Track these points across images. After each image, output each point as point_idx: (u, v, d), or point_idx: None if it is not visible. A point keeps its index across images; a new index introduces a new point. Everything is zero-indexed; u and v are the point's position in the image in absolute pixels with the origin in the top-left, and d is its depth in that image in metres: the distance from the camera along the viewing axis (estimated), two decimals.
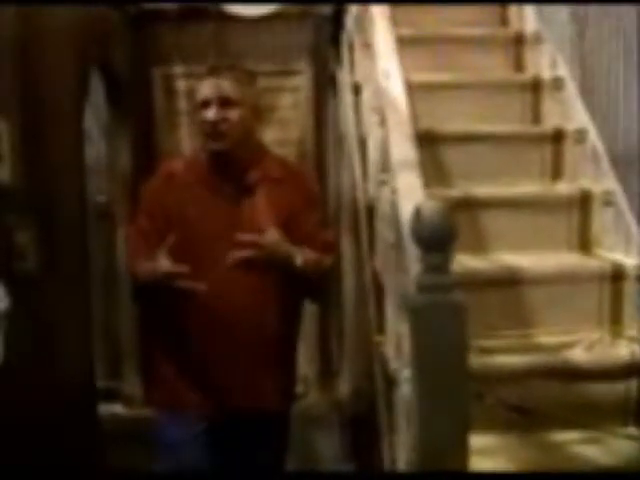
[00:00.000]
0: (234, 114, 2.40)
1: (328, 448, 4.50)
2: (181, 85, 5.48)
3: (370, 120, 2.94)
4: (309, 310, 2.76)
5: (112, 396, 5.40)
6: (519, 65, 3.91)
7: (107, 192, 5.45)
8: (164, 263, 2.32)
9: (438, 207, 1.47)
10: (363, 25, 3.25)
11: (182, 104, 5.48)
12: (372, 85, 2.78)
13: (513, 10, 4.14)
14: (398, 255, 2.18)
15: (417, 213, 1.46)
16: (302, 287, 2.49)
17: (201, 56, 5.39)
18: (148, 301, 2.55)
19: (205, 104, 2.43)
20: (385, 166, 2.44)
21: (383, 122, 2.38)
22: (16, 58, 3.54)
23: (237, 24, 5.38)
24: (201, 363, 2.47)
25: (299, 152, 5.50)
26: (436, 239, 1.46)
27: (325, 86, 5.42)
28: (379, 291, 2.79)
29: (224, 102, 2.41)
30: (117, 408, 5.39)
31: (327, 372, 5.46)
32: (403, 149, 2.07)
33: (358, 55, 3.55)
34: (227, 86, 2.43)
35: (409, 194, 1.91)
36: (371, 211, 3.04)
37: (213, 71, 2.50)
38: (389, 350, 2.56)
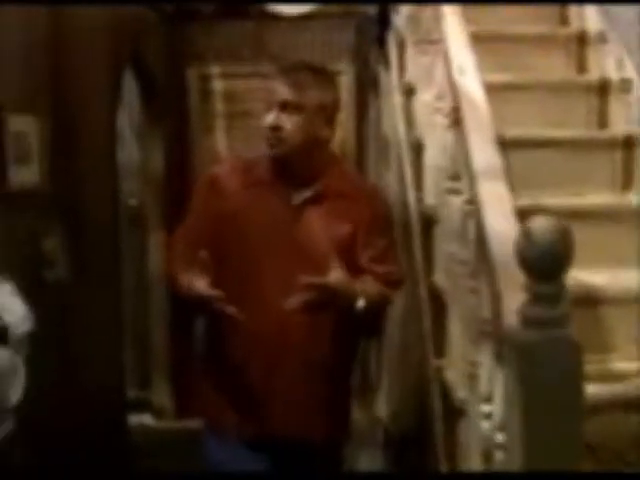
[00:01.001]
0: (292, 120, 2.23)
1: (371, 466, 4.29)
2: (218, 86, 5.28)
3: (431, 122, 2.72)
4: None
5: (141, 406, 5.22)
6: (581, 66, 3.66)
7: (139, 195, 5.27)
8: (199, 284, 2.13)
9: (554, 226, 1.25)
10: (420, 24, 3.03)
11: (219, 105, 5.29)
12: (436, 85, 2.56)
13: (573, 8, 3.90)
14: (474, 274, 1.95)
15: (527, 233, 1.24)
16: (359, 325, 2.27)
17: (239, 56, 5.22)
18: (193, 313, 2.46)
19: (268, 107, 2.27)
20: (455, 173, 2.22)
21: (455, 124, 2.15)
22: (48, 57, 3.37)
23: (276, 23, 5.19)
24: (248, 388, 2.27)
25: (340, 153, 5.28)
26: (549, 265, 1.23)
27: (367, 87, 5.21)
28: (439, 310, 2.57)
29: (283, 107, 2.24)
30: (146, 419, 5.20)
31: (365, 388, 5.24)
32: (486, 154, 1.84)
33: (411, 55, 3.33)
34: (288, 90, 2.25)
35: (495, 205, 1.69)
36: (428, 222, 2.82)
37: (282, 72, 2.32)
38: (452, 376, 2.34)
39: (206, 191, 2.37)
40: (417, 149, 3.10)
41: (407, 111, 3.48)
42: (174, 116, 5.24)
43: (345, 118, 5.25)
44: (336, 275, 2.09)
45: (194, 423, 5.20)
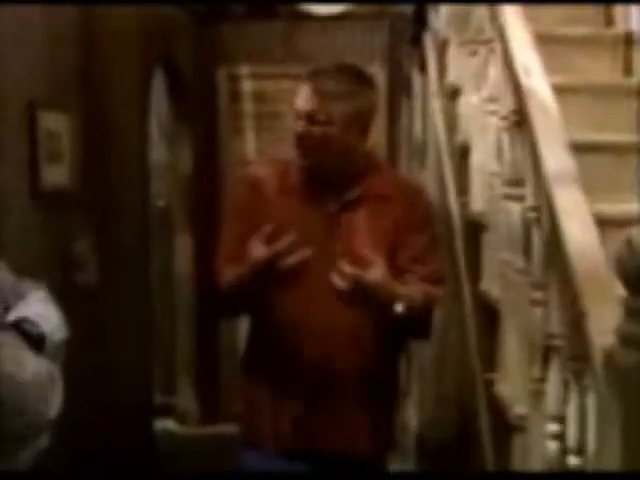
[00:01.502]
0: (322, 131, 2.10)
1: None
2: (247, 86, 5.20)
3: (481, 125, 2.62)
4: None
5: (165, 412, 5.13)
6: (627, 68, 3.54)
7: (166, 196, 5.18)
8: (261, 249, 2.02)
9: None
10: (468, 23, 2.92)
11: (248, 106, 5.21)
12: (488, 87, 2.46)
13: (618, 9, 3.78)
14: (538, 285, 1.85)
15: (628, 244, 1.14)
16: (405, 326, 2.14)
17: (269, 56, 5.14)
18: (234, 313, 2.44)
19: (296, 114, 2.15)
20: (515, 178, 2.11)
21: (516, 126, 2.05)
22: (79, 56, 3.29)
23: (307, 23, 5.10)
24: (291, 399, 2.16)
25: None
26: None
27: (399, 89, 5.11)
28: (489, 320, 2.46)
29: (311, 118, 2.10)
30: (170, 424, 5.11)
31: None
32: (558, 159, 1.74)
33: (455, 55, 3.22)
34: (316, 101, 2.10)
35: (572, 213, 1.58)
36: (476, 228, 2.71)
37: (312, 77, 2.16)
38: (506, 391, 2.23)
39: (246, 194, 2.26)
40: (462, 153, 2.99)
41: (449, 114, 3.37)
42: (203, 117, 5.16)
43: (376, 120, 5.14)
44: (375, 272, 1.99)
45: (218, 428, 5.17)
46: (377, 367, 2.17)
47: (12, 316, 1.51)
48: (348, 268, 1.96)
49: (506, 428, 2.18)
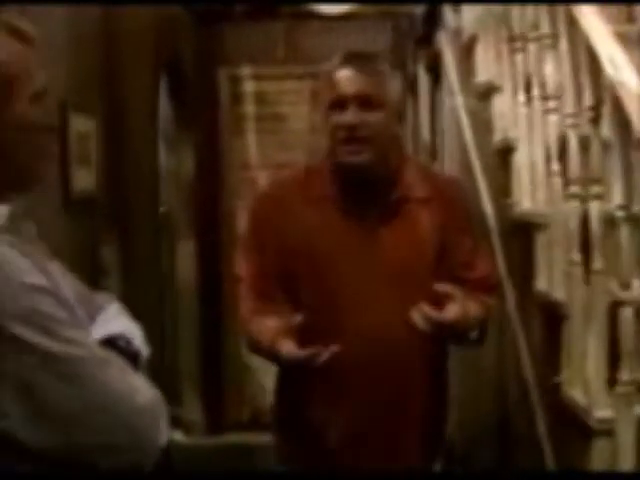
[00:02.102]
0: (378, 117, 1.85)
1: None
2: (249, 87, 5.10)
3: (531, 123, 2.56)
4: None
5: (172, 423, 5.00)
6: None
7: (168, 201, 5.06)
8: (286, 348, 1.79)
9: None
10: (508, 19, 2.86)
11: (249, 108, 5.11)
12: (540, 84, 2.40)
13: (639, 7, 3.75)
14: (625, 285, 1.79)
15: None
16: (462, 338, 1.98)
17: (270, 57, 5.05)
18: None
19: (338, 104, 1.86)
20: (590, 177, 2.05)
21: (595, 122, 1.99)
22: (100, 57, 3.18)
23: (309, 23, 5.03)
24: (338, 420, 1.97)
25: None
26: None
27: (404, 90, 5.04)
28: (550, 322, 2.40)
29: (365, 102, 1.84)
30: (177, 436, 4.98)
31: None
32: None
33: (487, 53, 3.16)
34: (369, 82, 1.86)
35: None
36: (523, 228, 2.65)
37: (349, 60, 1.90)
38: (577, 394, 2.17)
39: (268, 217, 1.99)
40: (501, 153, 2.93)
41: (479, 114, 3.31)
42: (204, 119, 5.05)
43: None
44: (454, 309, 1.81)
45: (224, 438, 5.06)
46: (430, 379, 2.00)
47: (99, 331, 1.31)
48: (429, 310, 1.79)
49: (584, 431, 2.11)
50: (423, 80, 4.93)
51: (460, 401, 3.99)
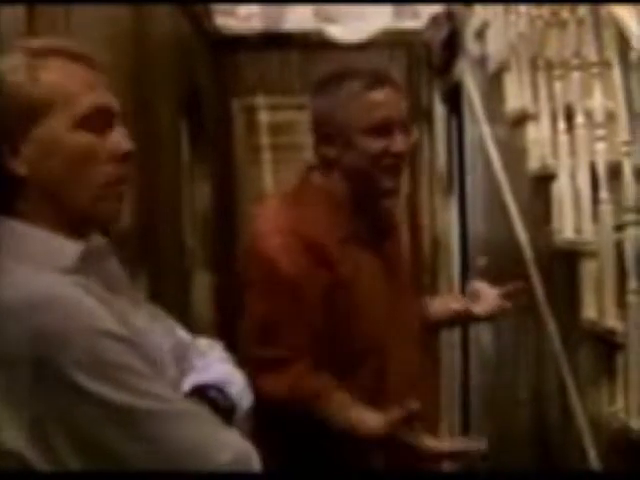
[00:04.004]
0: (411, 141, 1.79)
1: None
2: (263, 117, 5.08)
3: (573, 151, 2.55)
4: None
5: None
6: None
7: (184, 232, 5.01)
8: (375, 420, 1.60)
9: None
10: (542, 47, 2.86)
11: (264, 138, 5.08)
12: (593, 112, 2.38)
13: None
14: None
15: None
16: None
17: (285, 87, 5.04)
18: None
19: (382, 128, 1.71)
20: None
21: None
22: (124, 91, 3.14)
23: (323, 52, 5.01)
24: None
25: None
26: None
27: (419, 119, 5.04)
28: (603, 352, 2.37)
29: (405, 127, 1.73)
30: None
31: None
32: None
33: (518, 81, 3.14)
34: (403, 105, 1.76)
35: None
36: (566, 257, 2.62)
37: (385, 80, 1.76)
38: (636, 425, 2.13)
39: (306, 264, 1.68)
40: (540, 181, 2.90)
41: (511, 142, 3.29)
42: (219, 150, 5.02)
43: None
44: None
45: None
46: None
47: (193, 379, 1.23)
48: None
49: None
50: (439, 110, 4.93)
51: (494, 439, 3.95)
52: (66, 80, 1.11)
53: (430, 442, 1.58)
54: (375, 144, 1.71)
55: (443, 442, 1.62)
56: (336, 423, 1.64)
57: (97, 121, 1.13)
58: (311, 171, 1.80)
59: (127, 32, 3.10)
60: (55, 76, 1.10)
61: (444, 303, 2.09)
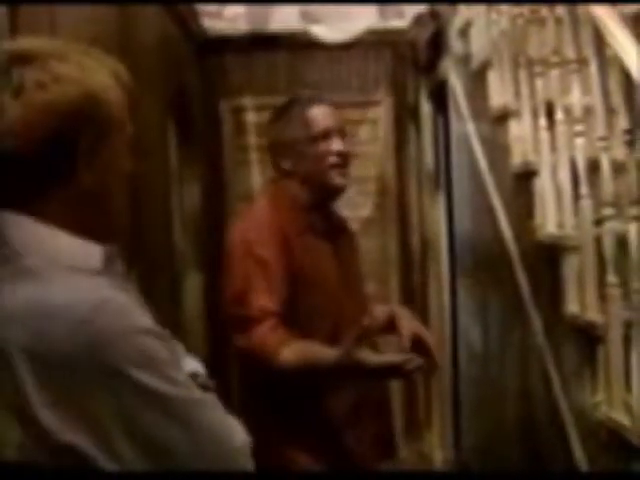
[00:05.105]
0: (348, 144, 2.23)
1: None
2: (251, 118, 5.11)
3: (552, 147, 2.58)
4: None
5: None
6: None
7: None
8: (373, 355, 1.85)
9: None
10: (524, 44, 2.90)
11: (252, 138, 5.11)
12: (571, 108, 2.42)
13: None
14: None
15: None
16: None
17: (273, 87, 5.06)
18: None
19: (323, 135, 2.16)
20: (628, 199, 2.07)
21: (631, 145, 2.01)
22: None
23: (311, 53, 5.05)
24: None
25: (378, 189, 5.13)
26: None
27: (405, 118, 5.08)
28: (585, 344, 2.41)
29: (343, 133, 2.20)
30: None
31: (413, 424, 5.06)
32: None
33: (501, 78, 3.18)
34: (339, 116, 2.23)
35: None
36: (549, 251, 2.66)
37: (320, 100, 2.24)
38: (619, 415, 2.18)
39: (273, 241, 2.08)
40: (520, 177, 2.94)
41: (493, 139, 3.33)
42: (208, 151, 5.05)
43: (383, 150, 5.11)
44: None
45: None
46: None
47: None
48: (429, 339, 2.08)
49: (627, 452, 2.12)
50: (425, 108, 4.97)
51: (477, 430, 3.99)
52: (121, 104, 1.22)
53: (373, 357, 1.82)
54: (320, 148, 2.15)
55: (385, 356, 1.85)
56: (303, 362, 1.93)
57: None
58: (273, 182, 2.24)
59: (112, 33, 3.13)
60: (116, 99, 1.21)
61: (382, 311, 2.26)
